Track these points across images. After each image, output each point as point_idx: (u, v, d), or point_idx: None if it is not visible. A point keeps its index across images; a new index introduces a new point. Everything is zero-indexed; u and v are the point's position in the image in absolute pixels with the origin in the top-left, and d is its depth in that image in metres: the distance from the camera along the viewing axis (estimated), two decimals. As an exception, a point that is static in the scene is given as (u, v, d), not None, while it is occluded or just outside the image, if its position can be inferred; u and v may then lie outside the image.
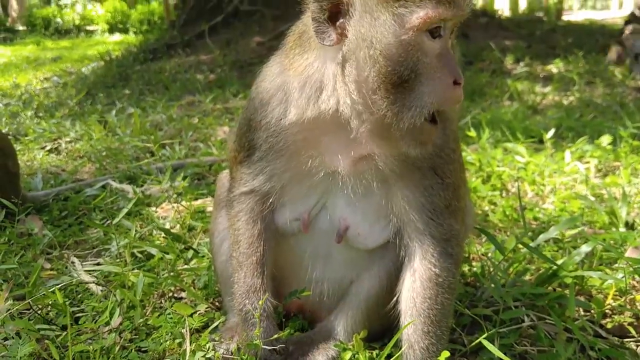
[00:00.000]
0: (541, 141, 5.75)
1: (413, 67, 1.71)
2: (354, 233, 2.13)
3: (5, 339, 2.38)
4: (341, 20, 1.80)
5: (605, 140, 5.42)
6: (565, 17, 24.40)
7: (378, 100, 1.76)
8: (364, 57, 1.75)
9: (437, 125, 1.82)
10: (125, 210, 3.60)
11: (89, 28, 29.62)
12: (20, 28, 28.64)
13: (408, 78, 1.71)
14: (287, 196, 2.15)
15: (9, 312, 2.49)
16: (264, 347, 2.10)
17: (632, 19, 11.42)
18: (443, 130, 1.96)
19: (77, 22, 30.11)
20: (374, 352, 2.31)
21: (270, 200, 2.16)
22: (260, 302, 2.12)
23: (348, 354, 2.22)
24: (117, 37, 25.63)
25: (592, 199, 4.18)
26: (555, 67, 11.02)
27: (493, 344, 2.18)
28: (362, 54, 1.75)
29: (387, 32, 1.71)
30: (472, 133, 5.63)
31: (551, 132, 5.75)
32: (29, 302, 2.57)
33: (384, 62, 1.71)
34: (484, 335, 2.16)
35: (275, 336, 2.14)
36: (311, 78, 1.92)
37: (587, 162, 5.10)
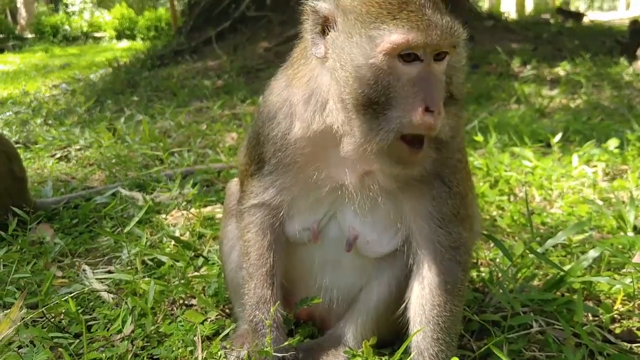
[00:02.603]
0: (549, 145, 5.75)
1: (384, 90, 1.69)
2: (363, 242, 2.14)
3: (20, 347, 2.41)
4: (328, 35, 1.82)
5: (613, 143, 5.41)
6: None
7: (352, 119, 1.76)
8: (341, 75, 1.75)
9: (421, 148, 1.75)
10: (136, 219, 3.64)
11: (96, 35, 29.95)
12: (29, 36, 28.97)
13: (377, 101, 1.69)
14: (297, 208, 2.17)
15: (23, 320, 2.52)
16: (275, 354, 2.13)
17: None
18: (447, 142, 1.93)
19: (85, 29, 30.42)
20: (384, 359, 2.33)
21: (281, 213, 2.18)
22: (270, 313, 2.15)
23: (358, 361, 2.25)
24: (125, 43, 25.87)
25: (600, 203, 4.18)
26: (562, 69, 11.00)
27: (502, 350, 2.19)
28: (339, 72, 1.76)
29: (358, 53, 1.70)
30: (479, 137, 5.64)
31: (558, 136, 5.75)
32: (42, 311, 2.61)
33: (354, 82, 1.71)
34: (493, 341, 2.19)
35: (285, 344, 2.16)
36: (316, 91, 1.93)
37: (595, 166, 5.09)
